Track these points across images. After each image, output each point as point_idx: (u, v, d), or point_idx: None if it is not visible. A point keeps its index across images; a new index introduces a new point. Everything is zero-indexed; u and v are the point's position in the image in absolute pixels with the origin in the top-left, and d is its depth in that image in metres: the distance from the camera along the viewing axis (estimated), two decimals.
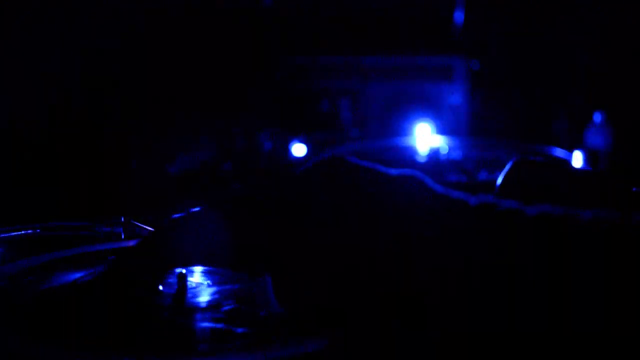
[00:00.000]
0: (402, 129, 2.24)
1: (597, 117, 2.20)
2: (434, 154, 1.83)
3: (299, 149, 1.99)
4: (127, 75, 1.97)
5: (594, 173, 1.05)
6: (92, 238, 1.08)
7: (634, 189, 0.90)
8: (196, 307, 0.74)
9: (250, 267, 0.67)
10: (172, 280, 0.89)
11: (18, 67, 1.77)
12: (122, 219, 1.07)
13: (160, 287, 0.88)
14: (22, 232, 1.05)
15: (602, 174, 1.32)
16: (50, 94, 1.82)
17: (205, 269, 0.99)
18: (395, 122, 2.56)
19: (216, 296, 0.90)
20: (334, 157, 0.55)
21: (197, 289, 0.90)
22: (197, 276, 0.95)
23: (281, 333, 0.60)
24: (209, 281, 0.95)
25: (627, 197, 0.88)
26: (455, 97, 2.71)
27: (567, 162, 1.04)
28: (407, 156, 1.94)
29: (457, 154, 1.92)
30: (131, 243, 1.06)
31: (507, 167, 0.97)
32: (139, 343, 0.63)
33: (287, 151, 2.01)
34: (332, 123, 2.67)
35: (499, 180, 0.97)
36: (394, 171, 0.55)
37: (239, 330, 0.66)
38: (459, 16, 2.69)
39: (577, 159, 1.86)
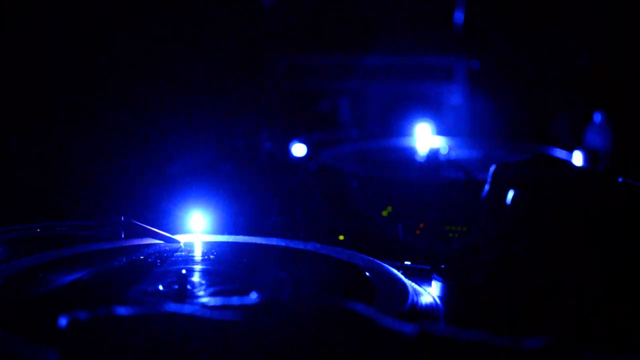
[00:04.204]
0: (402, 129, 2.24)
1: (597, 117, 2.20)
2: (434, 154, 1.83)
3: (299, 149, 1.99)
4: (125, 73, 1.97)
5: (579, 169, 1.05)
6: (92, 238, 1.08)
7: (619, 180, 0.91)
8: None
9: None
10: (173, 279, 0.89)
11: (19, 64, 1.77)
12: (122, 219, 1.07)
13: (160, 287, 0.88)
14: (22, 232, 1.05)
15: (587, 169, 1.32)
16: (48, 92, 1.82)
17: (204, 269, 0.99)
18: (395, 122, 2.56)
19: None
20: None
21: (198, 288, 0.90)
22: (196, 276, 0.95)
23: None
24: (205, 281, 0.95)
25: (613, 187, 0.88)
26: (455, 97, 2.71)
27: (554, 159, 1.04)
28: (407, 156, 1.94)
29: (457, 154, 1.92)
30: (132, 243, 1.06)
31: (489, 176, 0.97)
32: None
33: (287, 151, 2.01)
34: (332, 123, 2.67)
35: (485, 190, 0.97)
36: None
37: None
38: (459, 16, 2.69)
39: (577, 159, 1.86)
